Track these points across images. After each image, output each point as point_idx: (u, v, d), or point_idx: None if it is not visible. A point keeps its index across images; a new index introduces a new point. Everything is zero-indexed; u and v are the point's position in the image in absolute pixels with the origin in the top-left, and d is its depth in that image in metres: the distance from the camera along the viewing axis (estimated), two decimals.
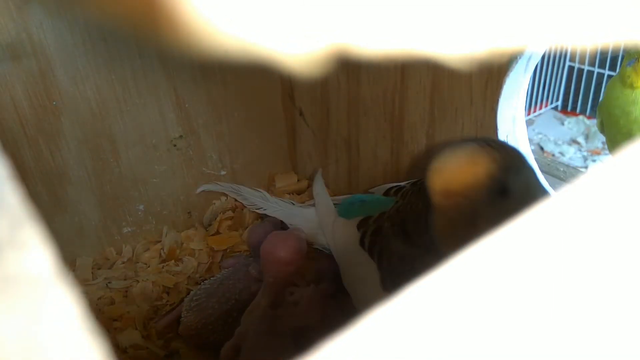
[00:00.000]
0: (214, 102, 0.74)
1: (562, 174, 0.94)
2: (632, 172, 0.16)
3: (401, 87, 0.62)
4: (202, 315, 0.59)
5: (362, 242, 0.52)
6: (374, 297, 0.49)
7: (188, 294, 0.63)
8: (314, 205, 0.70)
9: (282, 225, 0.74)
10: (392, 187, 0.58)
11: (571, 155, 1.24)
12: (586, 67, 1.33)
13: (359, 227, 0.54)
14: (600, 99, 0.68)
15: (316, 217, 0.66)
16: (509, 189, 0.36)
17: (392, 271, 0.48)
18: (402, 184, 0.58)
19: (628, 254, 0.14)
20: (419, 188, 0.50)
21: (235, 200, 0.81)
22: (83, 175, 0.67)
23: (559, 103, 1.41)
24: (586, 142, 1.28)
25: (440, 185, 0.37)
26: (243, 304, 0.59)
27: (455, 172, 0.36)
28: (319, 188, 0.71)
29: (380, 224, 0.51)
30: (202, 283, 0.64)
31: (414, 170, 0.65)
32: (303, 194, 0.83)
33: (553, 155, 1.22)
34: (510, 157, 0.38)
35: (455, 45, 0.15)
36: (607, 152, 1.23)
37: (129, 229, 0.74)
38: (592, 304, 0.13)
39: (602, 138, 1.25)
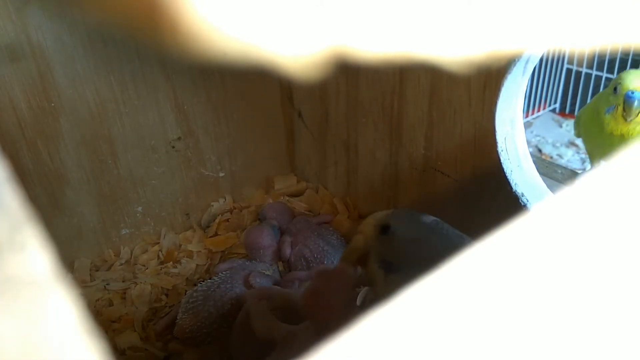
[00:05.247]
0: (213, 104, 0.74)
1: (560, 176, 0.94)
2: (629, 175, 0.16)
3: (400, 90, 0.62)
4: (198, 318, 0.58)
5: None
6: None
7: None
8: None
9: (280, 228, 0.74)
10: None
11: (569, 157, 1.24)
12: (584, 70, 1.33)
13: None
14: (581, 108, 0.66)
15: None
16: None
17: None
18: None
19: (626, 255, 0.14)
20: None
21: (234, 201, 0.81)
22: (81, 177, 0.67)
23: (557, 105, 1.41)
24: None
25: None
26: (239, 309, 0.58)
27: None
28: None
29: None
30: (199, 284, 0.63)
31: None
32: (302, 196, 0.83)
33: (551, 157, 1.23)
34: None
35: (454, 47, 0.15)
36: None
37: (127, 231, 0.74)
38: (588, 309, 0.13)
39: None
